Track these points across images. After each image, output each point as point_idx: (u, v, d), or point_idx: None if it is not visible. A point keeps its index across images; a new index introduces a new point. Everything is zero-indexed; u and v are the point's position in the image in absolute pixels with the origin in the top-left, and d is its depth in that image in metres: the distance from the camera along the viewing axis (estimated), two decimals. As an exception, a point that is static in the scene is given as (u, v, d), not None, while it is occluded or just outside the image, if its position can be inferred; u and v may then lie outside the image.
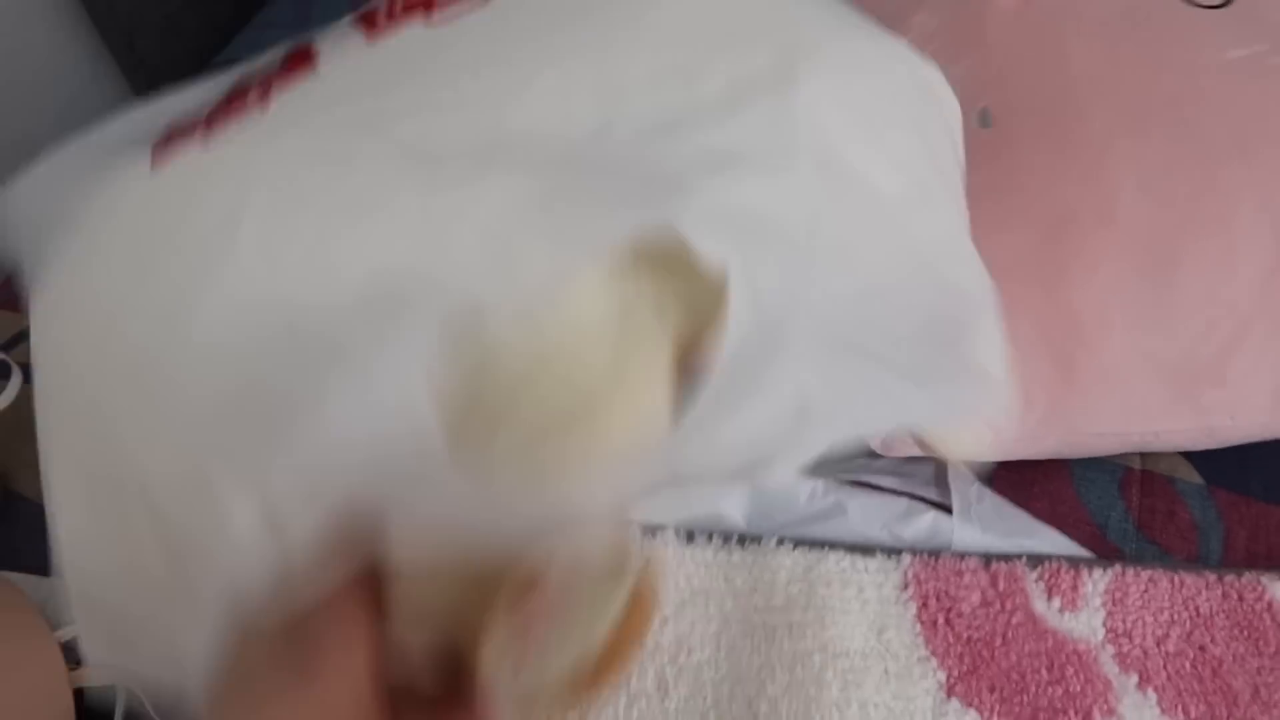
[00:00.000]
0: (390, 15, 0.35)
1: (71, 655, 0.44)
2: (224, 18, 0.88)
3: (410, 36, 0.32)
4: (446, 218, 0.27)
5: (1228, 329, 0.46)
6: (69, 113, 0.82)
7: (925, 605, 0.44)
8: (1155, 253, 0.44)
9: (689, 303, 0.27)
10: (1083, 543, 0.49)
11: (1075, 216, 0.44)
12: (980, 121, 0.46)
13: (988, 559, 0.46)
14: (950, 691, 0.42)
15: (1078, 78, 0.46)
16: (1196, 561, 0.49)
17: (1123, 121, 0.45)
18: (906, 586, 0.44)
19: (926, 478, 0.50)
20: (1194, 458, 0.53)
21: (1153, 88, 0.46)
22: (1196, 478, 0.52)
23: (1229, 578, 0.46)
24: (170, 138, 0.34)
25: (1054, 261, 0.44)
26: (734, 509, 0.48)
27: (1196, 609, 0.45)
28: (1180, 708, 0.42)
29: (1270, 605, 0.45)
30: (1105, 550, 0.49)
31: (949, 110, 0.32)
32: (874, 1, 0.53)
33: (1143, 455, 0.53)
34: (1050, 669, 0.42)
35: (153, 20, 0.85)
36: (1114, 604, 0.45)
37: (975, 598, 0.44)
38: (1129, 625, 0.45)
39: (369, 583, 0.25)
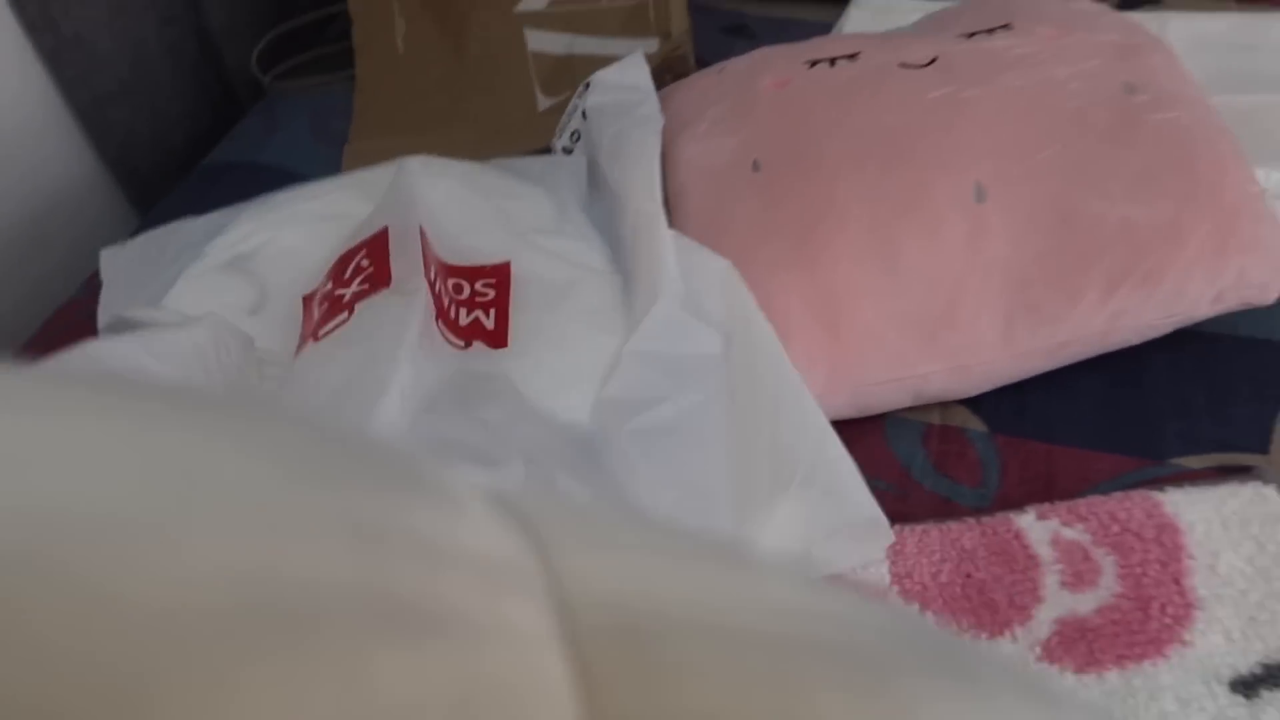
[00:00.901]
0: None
1: None
2: (204, 131, 1.07)
3: None
4: None
5: (947, 284, 0.64)
6: (74, 214, 0.99)
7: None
8: (880, 239, 0.63)
9: None
10: (892, 480, 0.66)
11: (819, 223, 0.63)
12: (754, 169, 0.66)
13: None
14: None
15: (816, 129, 0.66)
16: (980, 487, 0.66)
17: (850, 153, 0.65)
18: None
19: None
20: (981, 411, 0.70)
21: (873, 126, 0.66)
22: (982, 426, 0.70)
23: (985, 519, 0.60)
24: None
25: (809, 256, 0.63)
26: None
27: (962, 547, 0.58)
28: (954, 621, 0.59)
29: (1018, 534, 0.59)
30: (909, 485, 0.66)
31: None
32: (679, 104, 0.73)
33: (941, 410, 0.71)
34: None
35: (144, 136, 1.04)
36: (896, 555, 0.59)
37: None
38: (909, 569, 0.58)
39: None
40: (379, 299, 0.62)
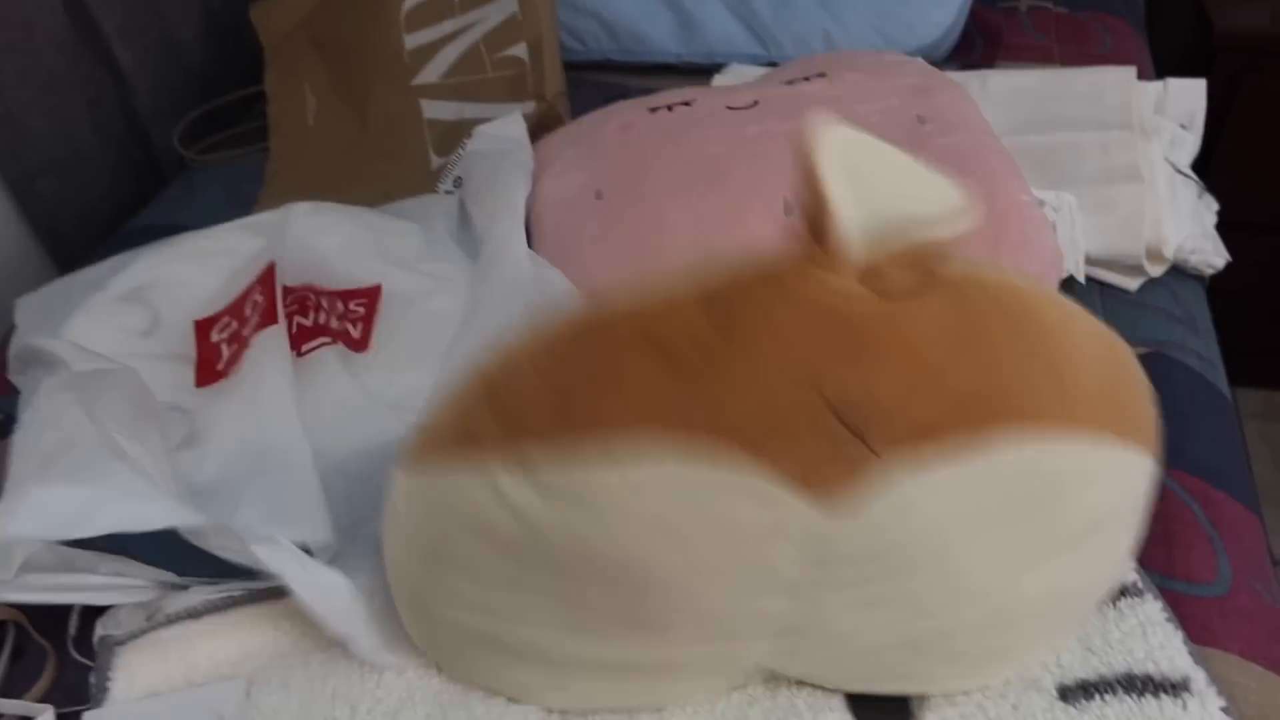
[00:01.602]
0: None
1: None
2: (129, 202, 1.15)
3: None
4: None
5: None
6: (3, 281, 1.06)
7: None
8: (702, 248, 0.72)
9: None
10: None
11: (649, 238, 0.72)
12: (596, 197, 0.75)
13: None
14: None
15: (650, 162, 0.76)
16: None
17: (677, 179, 0.74)
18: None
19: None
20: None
21: (698, 157, 0.75)
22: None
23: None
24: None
25: (640, 266, 0.71)
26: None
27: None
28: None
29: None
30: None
31: None
32: (545, 150, 0.82)
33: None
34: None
35: (72, 208, 1.11)
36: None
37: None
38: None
39: None
40: (268, 335, 0.69)
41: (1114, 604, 0.60)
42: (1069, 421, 0.45)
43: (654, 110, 0.81)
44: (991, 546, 0.46)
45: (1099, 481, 0.48)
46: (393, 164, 1.06)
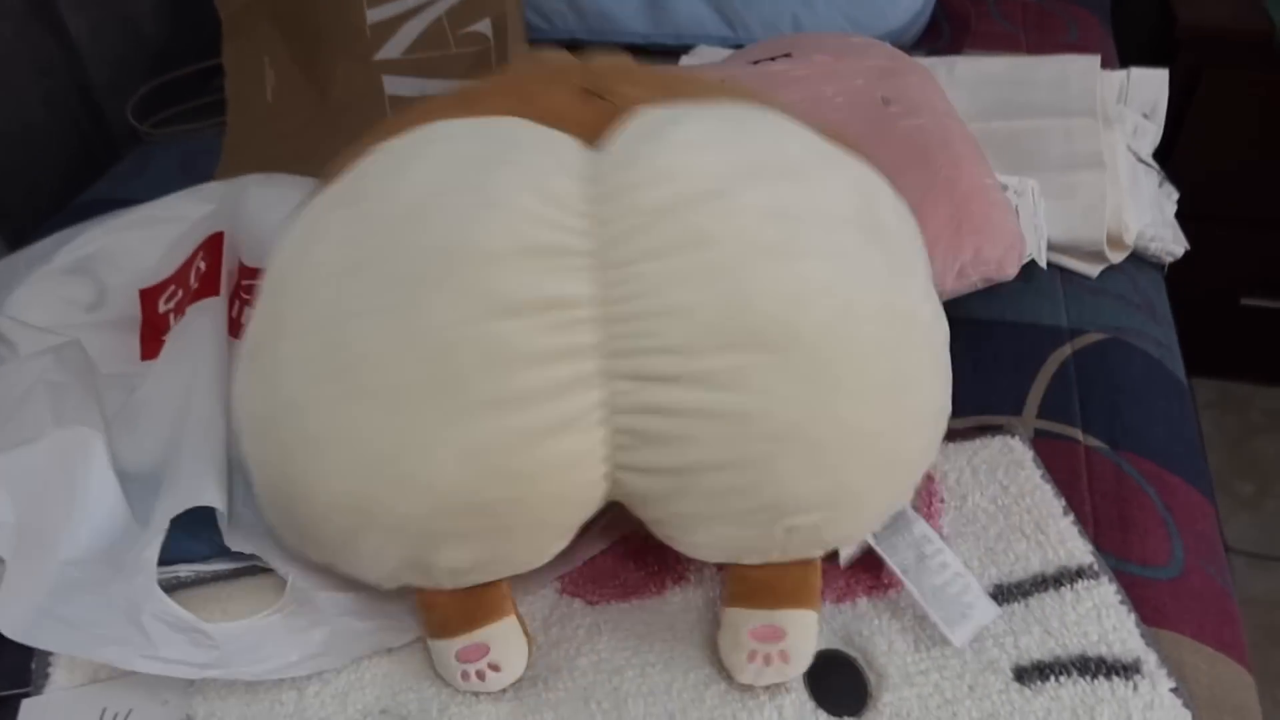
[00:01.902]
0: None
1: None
2: (80, 175, 1.12)
3: None
4: None
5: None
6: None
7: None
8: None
9: None
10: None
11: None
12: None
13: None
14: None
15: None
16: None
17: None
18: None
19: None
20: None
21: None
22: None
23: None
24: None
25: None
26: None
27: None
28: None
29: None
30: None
31: None
32: None
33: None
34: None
35: (20, 180, 1.08)
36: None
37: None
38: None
39: None
40: (204, 305, 0.67)
41: (1071, 585, 0.60)
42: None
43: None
44: (763, 190, 0.50)
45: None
46: (353, 139, 1.03)
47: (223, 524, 0.55)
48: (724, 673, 0.56)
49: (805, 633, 0.55)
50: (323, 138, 1.05)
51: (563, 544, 0.55)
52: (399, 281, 0.48)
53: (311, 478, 0.50)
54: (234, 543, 0.55)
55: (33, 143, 1.09)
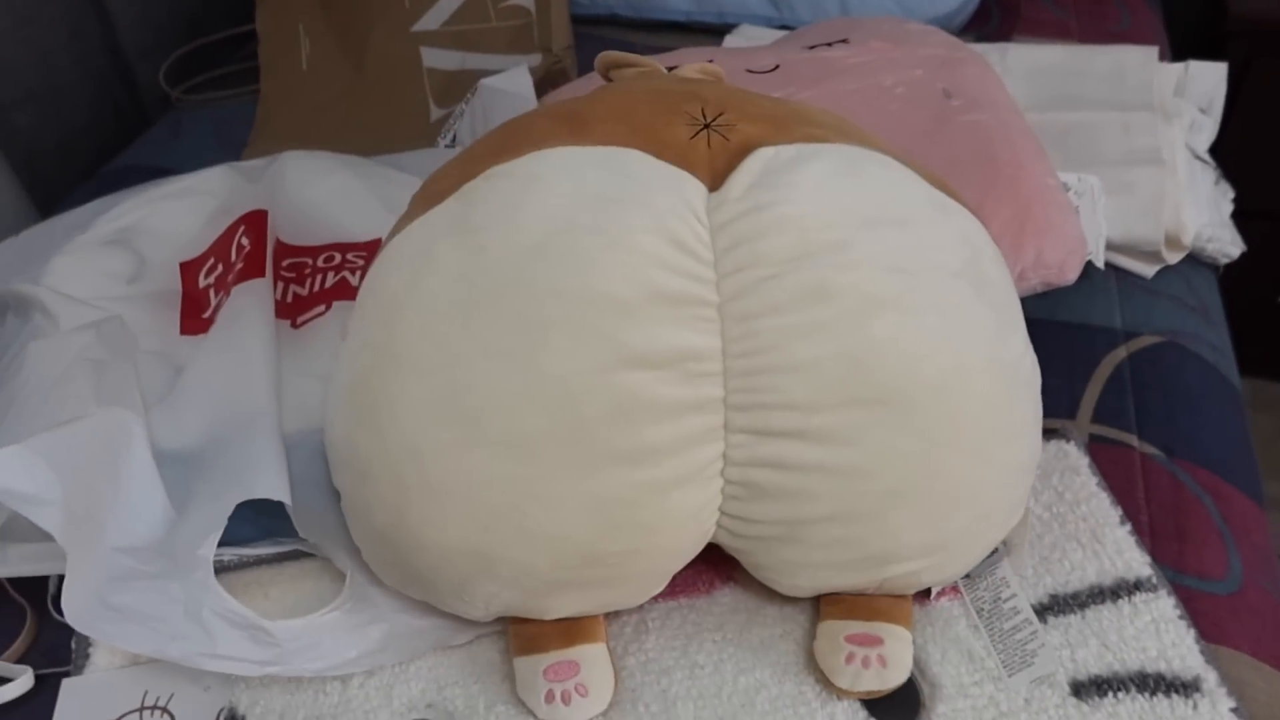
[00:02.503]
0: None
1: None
2: (111, 140, 1.10)
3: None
4: None
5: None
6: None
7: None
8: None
9: None
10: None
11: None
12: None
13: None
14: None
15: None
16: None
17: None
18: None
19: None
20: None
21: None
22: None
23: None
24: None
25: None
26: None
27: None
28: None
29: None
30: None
31: None
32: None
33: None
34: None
35: (49, 142, 1.07)
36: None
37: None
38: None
39: None
40: (250, 287, 0.66)
41: (1129, 598, 0.59)
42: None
43: (671, 70, 0.77)
44: (882, 241, 0.49)
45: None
46: (390, 112, 1.02)
47: (290, 514, 0.54)
48: (776, 677, 0.55)
49: (901, 645, 0.54)
50: (359, 109, 1.04)
51: (661, 588, 0.55)
52: (522, 324, 0.46)
53: (428, 526, 0.49)
54: (305, 531, 0.54)
55: (63, 106, 1.07)
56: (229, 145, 1.02)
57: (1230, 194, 0.93)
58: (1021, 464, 0.55)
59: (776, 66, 0.76)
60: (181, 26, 1.17)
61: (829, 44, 0.79)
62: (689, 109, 0.53)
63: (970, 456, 0.51)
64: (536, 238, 0.47)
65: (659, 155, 0.51)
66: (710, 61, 0.78)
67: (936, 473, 0.50)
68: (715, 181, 0.51)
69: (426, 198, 0.53)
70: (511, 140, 0.53)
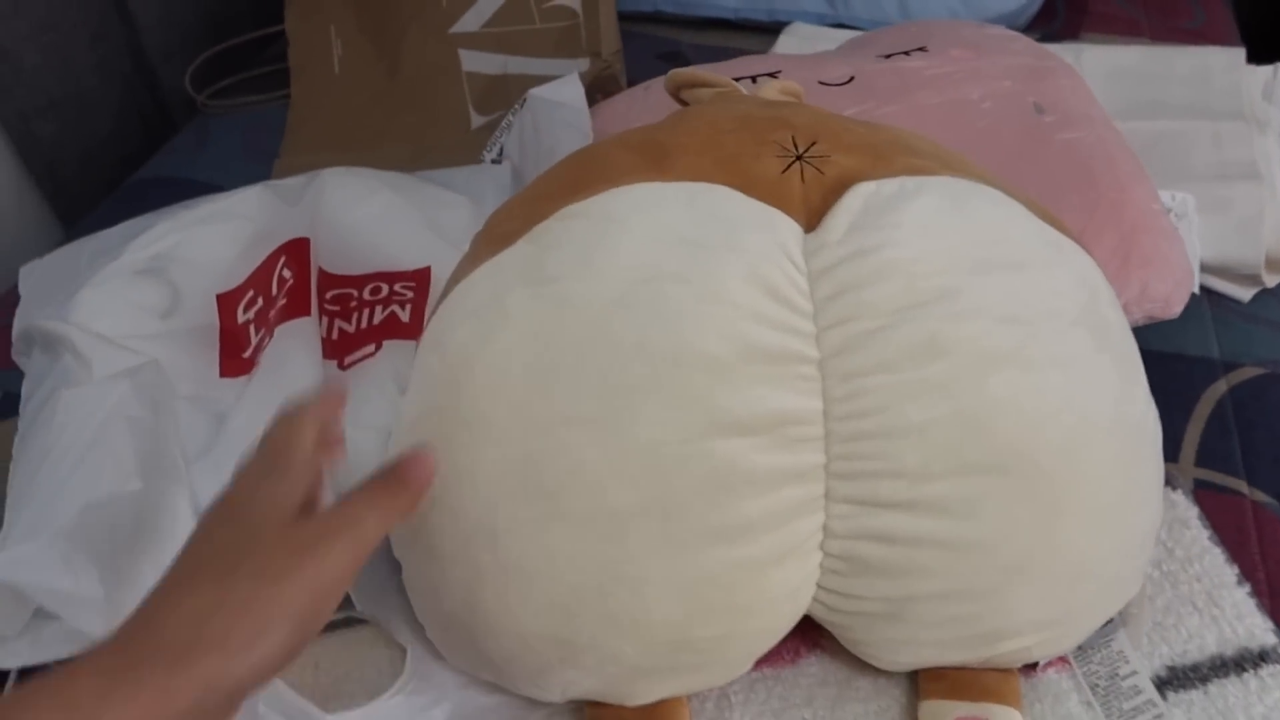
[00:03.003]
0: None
1: None
2: (136, 149, 1.05)
3: None
4: None
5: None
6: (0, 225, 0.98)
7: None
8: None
9: None
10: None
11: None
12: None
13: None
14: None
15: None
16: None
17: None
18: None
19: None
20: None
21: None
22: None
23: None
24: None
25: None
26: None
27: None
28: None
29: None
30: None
31: None
32: (605, 120, 0.74)
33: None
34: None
35: (72, 151, 1.02)
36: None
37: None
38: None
39: None
40: (295, 326, 0.61)
41: (1254, 671, 0.54)
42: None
43: (735, 81, 0.72)
44: (996, 288, 0.45)
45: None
46: (427, 119, 0.97)
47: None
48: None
49: None
50: (395, 115, 0.99)
51: (749, 668, 0.51)
52: (606, 388, 0.42)
53: (504, 610, 0.44)
54: (361, 601, 0.50)
55: (86, 112, 1.03)
56: (258, 154, 0.97)
57: (1323, 206, 0.87)
58: (1147, 530, 0.51)
59: (851, 78, 0.71)
60: (207, 28, 1.12)
61: (906, 52, 0.73)
62: (778, 138, 0.49)
63: (1095, 526, 0.46)
64: (619, 289, 0.43)
65: (749, 192, 0.46)
66: (777, 74, 0.73)
67: (1059, 545, 0.46)
68: (811, 221, 0.46)
69: (493, 239, 0.48)
70: (585, 174, 0.48)
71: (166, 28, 1.08)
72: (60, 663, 0.32)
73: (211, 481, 0.54)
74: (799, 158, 0.47)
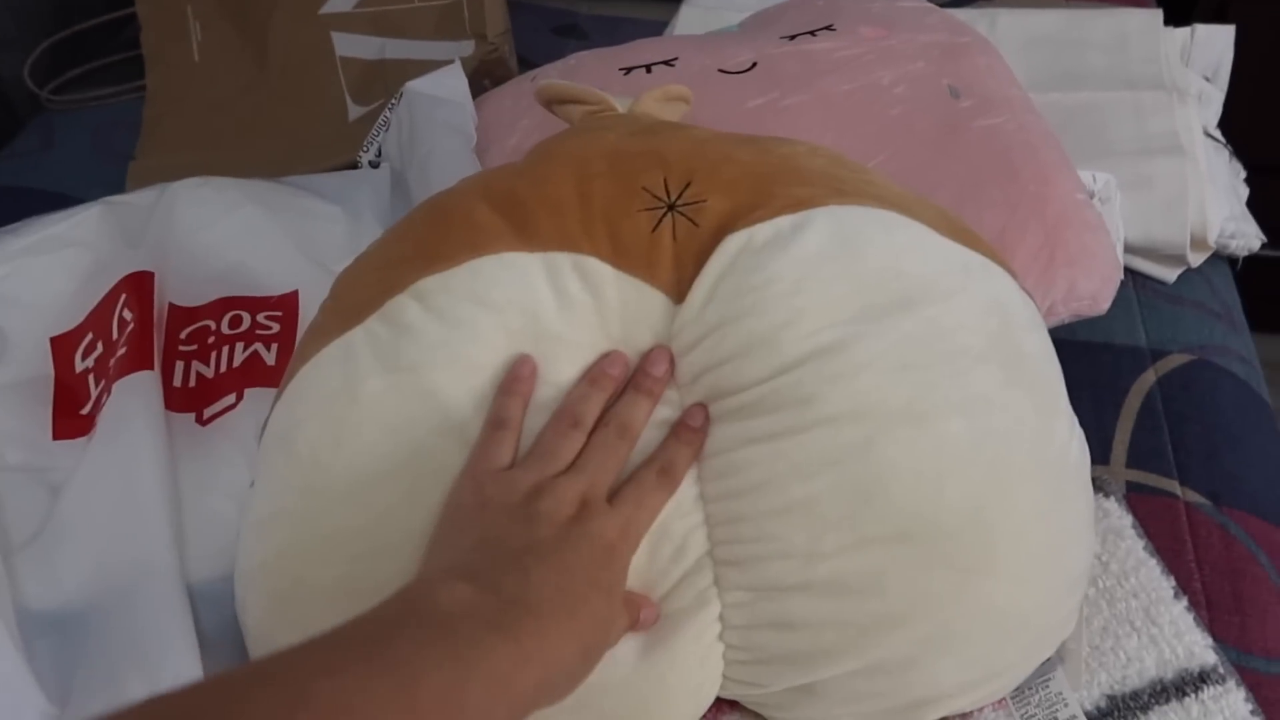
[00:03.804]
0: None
1: None
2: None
3: None
4: None
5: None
6: None
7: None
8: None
9: None
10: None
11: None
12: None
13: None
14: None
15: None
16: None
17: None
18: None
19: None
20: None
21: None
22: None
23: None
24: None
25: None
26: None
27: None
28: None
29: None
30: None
31: None
32: (492, 114, 0.67)
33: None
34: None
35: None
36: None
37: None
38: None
39: None
40: (134, 382, 0.53)
41: (1195, 695, 0.52)
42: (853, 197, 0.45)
43: (628, 71, 0.66)
44: (886, 334, 0.40)
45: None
46: (300, 112, 0.88)
47: None
48: None
49: None
50: (264, 107, 0.90)
51: None
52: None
53: None
54: None
55: (-90, 110, 0.91)
56: (111, 156, 0.88)
57: (1243, 174, 0.85)
58: (1079, 569, 0.47)
59: (755, 64, 0.65)
60: (49, 10, 1.00)
61: (812, 32, 0.68)
62: (648, 183, 0.44)
63: (1020, 579, 0.43)
64: (484, 382, 0.40)
65: (619, 263, 0.42)
66: (673, 61, 0.66)
67: (980, 607, 0.42)
68: (681, 289, 0.42)
69: (341, 311, 0.42)
70: (444, 237, 0.43)
71: (3, 10, 0.96)
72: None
73: (41, 575, 0.47)
74: (670, 208, 0.42)
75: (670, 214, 0.42)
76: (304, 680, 0.27)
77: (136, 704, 0.27)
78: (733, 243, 0.41)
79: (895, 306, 0.40)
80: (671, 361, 0.41)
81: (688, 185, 0.43)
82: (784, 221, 0.41)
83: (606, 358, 0.41)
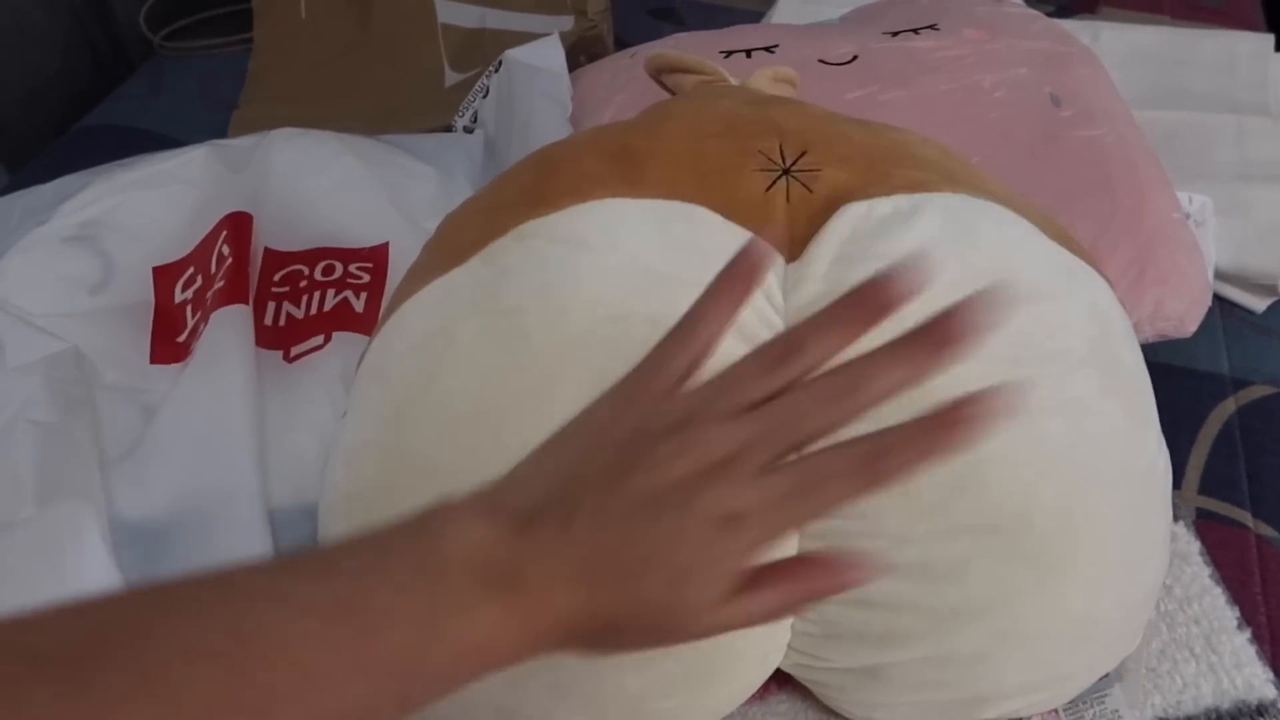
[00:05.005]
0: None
1: None
2: (85, 90, 0.98)
3: None
4: None
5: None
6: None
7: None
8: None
9: None
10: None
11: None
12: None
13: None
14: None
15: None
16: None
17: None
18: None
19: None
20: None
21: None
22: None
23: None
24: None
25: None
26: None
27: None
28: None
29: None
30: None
31: None
32: (588, 88, 0.68)
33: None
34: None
35: (15, 91, 0.95)
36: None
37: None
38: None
39: None
40: (228, 315, 0.55)
41: (1253, 728, 0.51)
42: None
43: (728, 54, 0.66)
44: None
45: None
46: (399, 74, 0.90)
47: None
48: None
49: None
50: (364, 68, 0.92)
51: None
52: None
53: None
54: None
55: (31, 46, 0.95)
56: (215, 103, 0.91)
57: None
58: (1152, 584, 0.47)
59: (855, 57, 0.65)
60: (165, -40, 1.04)
61: (915, 30, 0.67)
62: (764, 146, 0.44)
63: (1097, 586, 0.43)
64: (582, 326, 0.39)
65: (728, 214, 0.42)
66: (774, 48, 0.67)
67: (1056, 608, 0.42)
68: (795, 248, 0.42)
69: (445, 251, 0.43)
70: (549, 183, 0.43)
71: (120, -42, 1.00)
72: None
73: (132, 488, 0.49)
74: (785, 172, 0.42)
75: (785, 177, 0.42)
76: (241, 608, 0.25)
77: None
78: (854, 210, 0.41)
79: (1009, 301, 0.40)
80: None
81: (803, 154, 0.43)
82: (902, 200, 0.41)
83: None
